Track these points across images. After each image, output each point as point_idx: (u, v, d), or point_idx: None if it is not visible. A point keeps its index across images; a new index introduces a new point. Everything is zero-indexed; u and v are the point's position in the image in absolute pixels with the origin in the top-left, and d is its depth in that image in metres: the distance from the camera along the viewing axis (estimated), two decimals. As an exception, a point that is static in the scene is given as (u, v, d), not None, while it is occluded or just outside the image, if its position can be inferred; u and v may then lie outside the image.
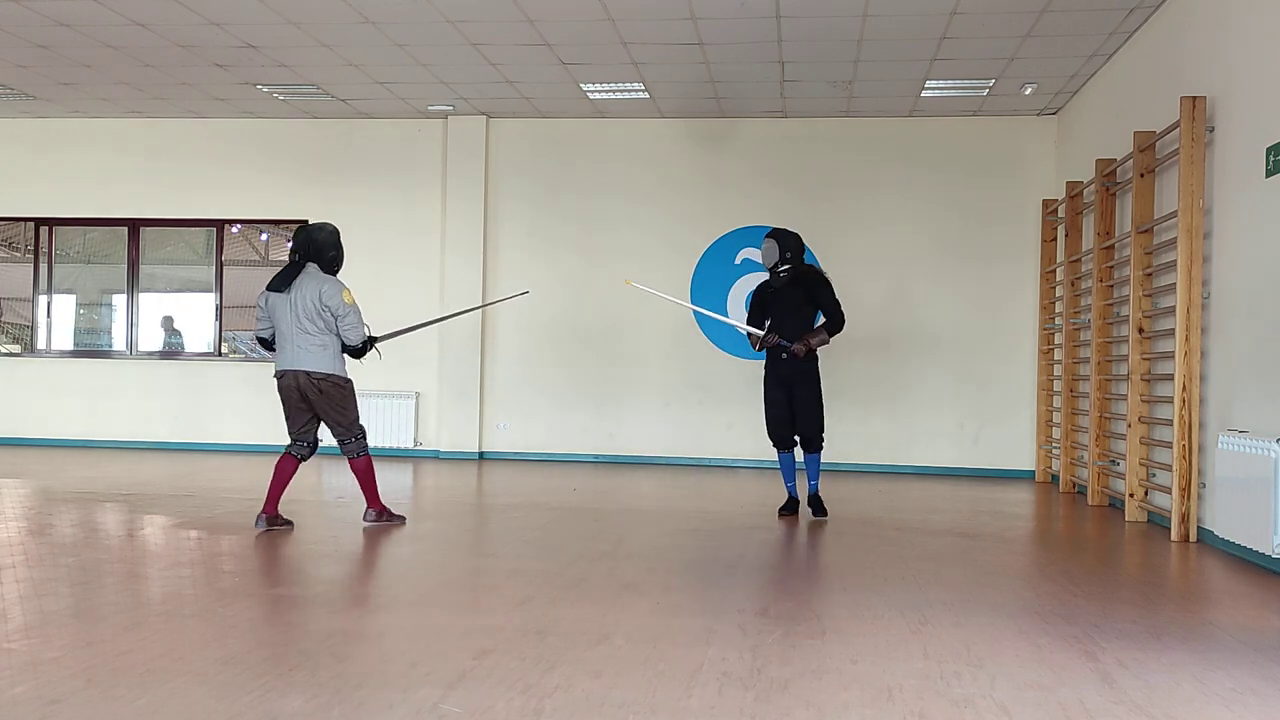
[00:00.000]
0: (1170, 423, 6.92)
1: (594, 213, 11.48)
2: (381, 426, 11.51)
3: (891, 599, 4.85)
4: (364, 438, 6.61)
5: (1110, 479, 8.52)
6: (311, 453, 6.62)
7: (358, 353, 6.54)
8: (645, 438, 11.28)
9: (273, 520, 6.48)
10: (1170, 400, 6.94)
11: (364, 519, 6.73)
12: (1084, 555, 6.49)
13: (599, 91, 10.35)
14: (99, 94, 10.86)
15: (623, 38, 8.74)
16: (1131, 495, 7.60)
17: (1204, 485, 6.62)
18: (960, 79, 9.64)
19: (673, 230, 11.42)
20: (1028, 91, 9.94)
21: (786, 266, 7.30)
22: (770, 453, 11.54)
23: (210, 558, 5.70)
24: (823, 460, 11.43)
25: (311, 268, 6.38)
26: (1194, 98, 6.72)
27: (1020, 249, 10.88)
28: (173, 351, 12.29)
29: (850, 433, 11.08)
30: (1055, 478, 10.17)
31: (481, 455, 11.49)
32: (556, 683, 3.45)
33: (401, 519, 6.83)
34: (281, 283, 6.32)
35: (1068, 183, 9.70)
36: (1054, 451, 10.15)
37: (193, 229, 12.36)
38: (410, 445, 11.49)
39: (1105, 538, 7.10)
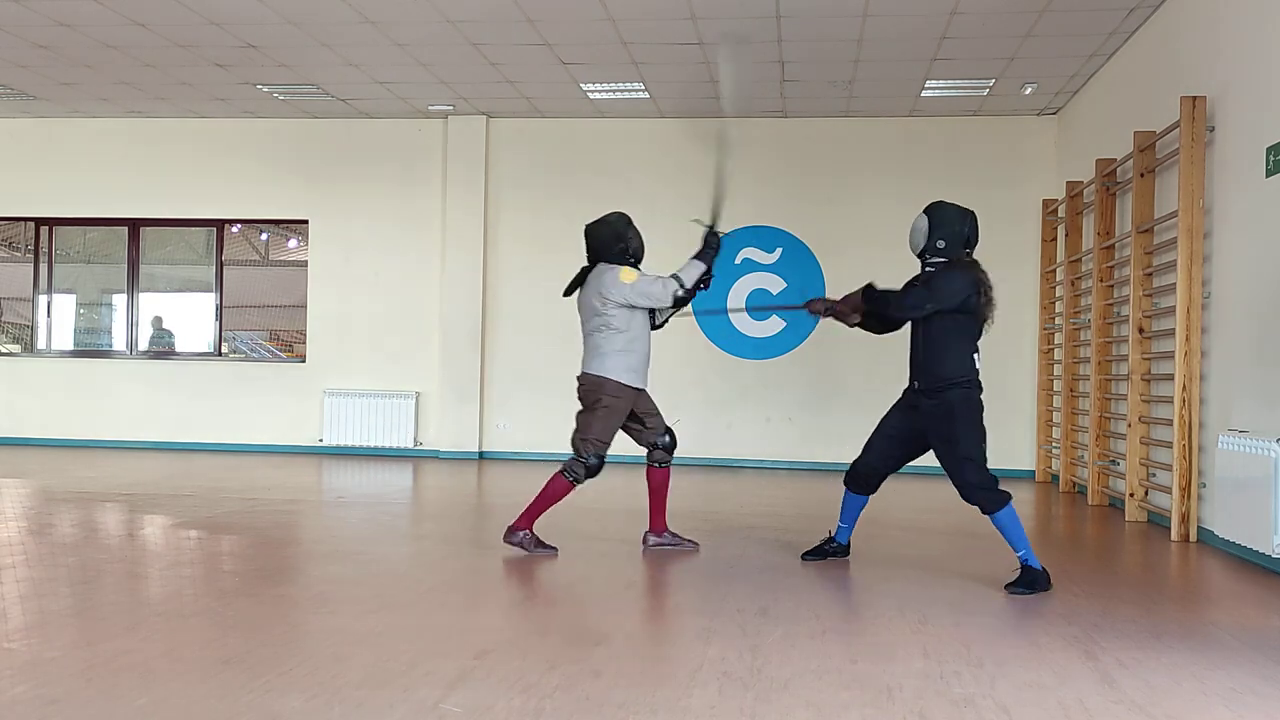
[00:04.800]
0: (1170, 423, 6.92)
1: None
2: (381, 426, 11.52)
3: (891, 599, 4.85)
4: (582, 461, 5.64)
5: (1110, 479, 8.51)
6: (667, 454, 5.91)
7: (683, 302, 5.75)
8: (645, 438, 11.26)
9: (661, 539, 5.99)
10: (1170, 400, 6.94)
11: (504, 538, 5.81)
12: (1084, 555, 6.49)
13: (599, 91, 10.35)
14: (99, 94, 10.85)
15: (623, 38, 8.74)
16: (1131, 495, 7.60)
17: (1204, 485, 6.62)
18: (960, 79, 9.64)
19: (673, 229, 11.39)
20: (1028, 91, 9.94)
21: (938, 260, 5.30)
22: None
23: (210, 558, 5.70)
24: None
25: (602, 266, 5.79)
26: (1194, 98, 6.72)
27: (1020, 249, 10.87)
28: (172, 351, 12.29)
29: (850, 433, 11.07)
30: (1055, 478, 10.17)
31: (481, 455, 11.49)
32: (556, 683, 3.46)
33: (551, 549, 5.76)
34: (569, 288, 5.89)
35: (1068, 183, 9.70)
36: (1054, 451, 10.14)
37: (193, 229, 12.36)
38: (410, 445, 11.49)
39: (1105, 538, 7.10)
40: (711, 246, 5.83)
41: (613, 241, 5.82)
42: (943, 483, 5.52)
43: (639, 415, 5.89)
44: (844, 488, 5.79)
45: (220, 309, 12.10)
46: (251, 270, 12.77)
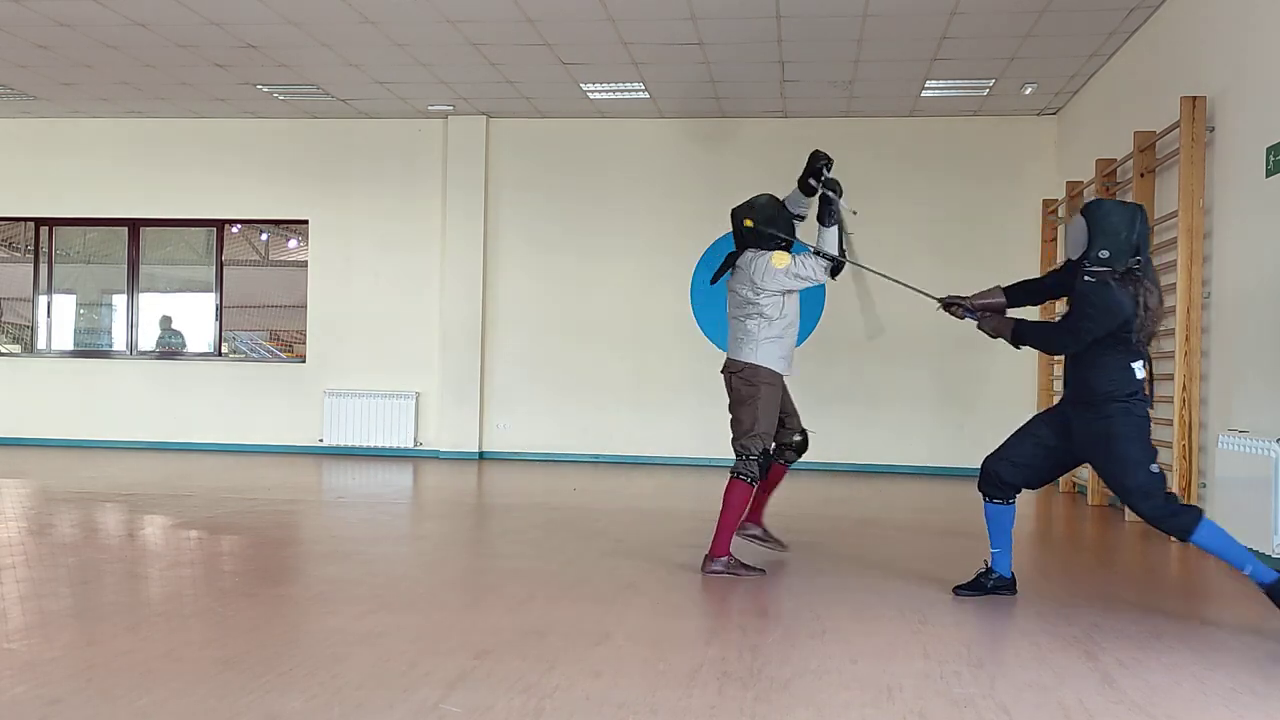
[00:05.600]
0: (1170, 423, 6.92)
1: (594, 212, 11.48)
2: (381, 426, 11.51)
3: (891, 599, 4.85)
4: (754, 459, 5.36)
5: (1110, 479, 8.50)
6: (796, 454, 5.76)
7: (837, 267, 5.57)
8: (645, 438, 11.27)
9: (759, 533, 5.84)
10: (1170, 400, 6.94)
11: (702, 569, 5.36)
12: (1084, 555, 6.49)
13: (599, 91, 10.35)
14: (99, 94, 10.85)
15: (623, 38, 8.74)
16: (1131, 495, 7.59)
17: (1204, 485, 6.62)
18: (960, 79, 9.64)
19: (673, 230, 11.42)
20: (1028, 91, 9.94)
21: (1100, 269, 4.55)
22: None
23: (210, 558, 5.71)
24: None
25: (750, 254, 5.59)
26: (1194, 98, 6.72)
27: (1020, 249, 10.86)
28: (173, 351, 12.29)
29: (850, 433, 11.08)
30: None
31: (481, 455, 11.49)
32: (556, 683, 3.46)
33: (760, 572, 5.33)
34: (716, 275, 5.72)
35: (1068, 183, 9.70)
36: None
37: (193, 229, 12.36)
38: (410, 445, 11.49)
39: (1105, 538, 7.10)
40: (829, 203, 5.65)
41: (764, 226, 5.61)
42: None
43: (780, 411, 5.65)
44: (982, 498, 4.94)
45: (220, 309, 12.10)
46: (251, 270, 12.77)
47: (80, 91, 10.77)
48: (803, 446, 5.79)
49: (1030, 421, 4.99)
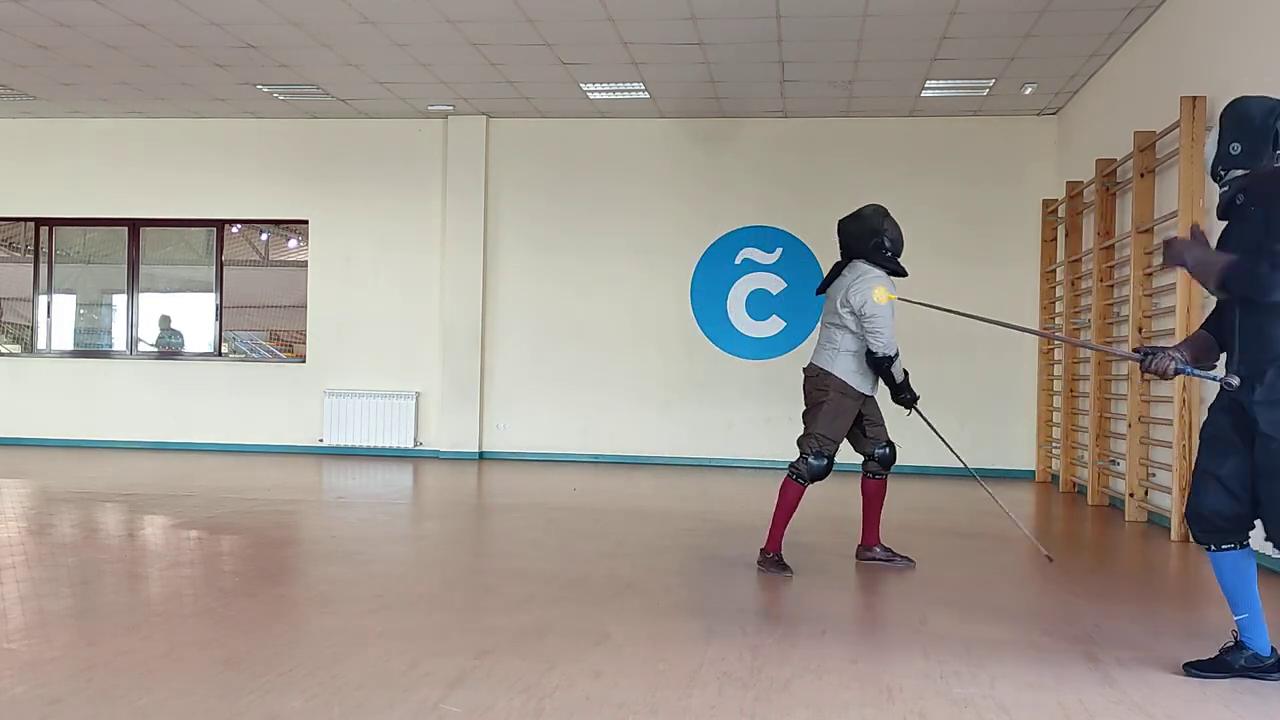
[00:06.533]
0: (1170, 423, 6.92)
1: (594, 212, 11.47)
2: (381, 426, 11.51)
3: (891, 599, 4.85)
4: (812, 459, 5.46)
5: (1110, 479, 8.51)
6: (882, 466, 5.71)
7: (880, 368, 5.47)
8: (645, 438, 11.26)
9: (872, 553, 5.76)
10: (1170, 400, 6.94)
11: (758, 561, 5.51)
12: (1084, 555, 6.49)
13: (599, 91, 10.35)
14: (99, 94, 10.85)
15: (623, 38, 8.74)
16: (1131, 495, 7.61)
17: (1204, 485, 6.60)
18: (960, 79, 9.64)
19: (673, 230, 11.42)
20: (1028, 91, 9.94)
21: (1236, 173, 3.67)
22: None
23: (210, 558, 5.71)
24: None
25: (858, 264, 5.53)
26: (1194, 98, 6.72)
27: (1020, 249, 10.87)
28: (172, 351, 12.29)
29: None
30: (1055, 478, 10.17)
31: (481, 455, 11.49)
32: (556, 683, 3.46)
33: (788, 573, 5.36)
34: (821, 285, 5.73)
35: (1068, 183, 9.70)
36: (1054, 451, 10.15)
37: (193, 229, 12.36)
38: (410, 445, 11.49)
39: (1105, 538, 7.10)
40: (903, 398, 5.65)
41: (868, 236, 5.51)
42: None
43: (861, 421, 5.67)
44: (1205, 551, 3.73)
45: (220, 309, 12.10)
46: (251, 270, 12.76)
47: (80, 91, 10.77)
48: (887, 458, 5.73)
49: (1213, 436, 3.70)
